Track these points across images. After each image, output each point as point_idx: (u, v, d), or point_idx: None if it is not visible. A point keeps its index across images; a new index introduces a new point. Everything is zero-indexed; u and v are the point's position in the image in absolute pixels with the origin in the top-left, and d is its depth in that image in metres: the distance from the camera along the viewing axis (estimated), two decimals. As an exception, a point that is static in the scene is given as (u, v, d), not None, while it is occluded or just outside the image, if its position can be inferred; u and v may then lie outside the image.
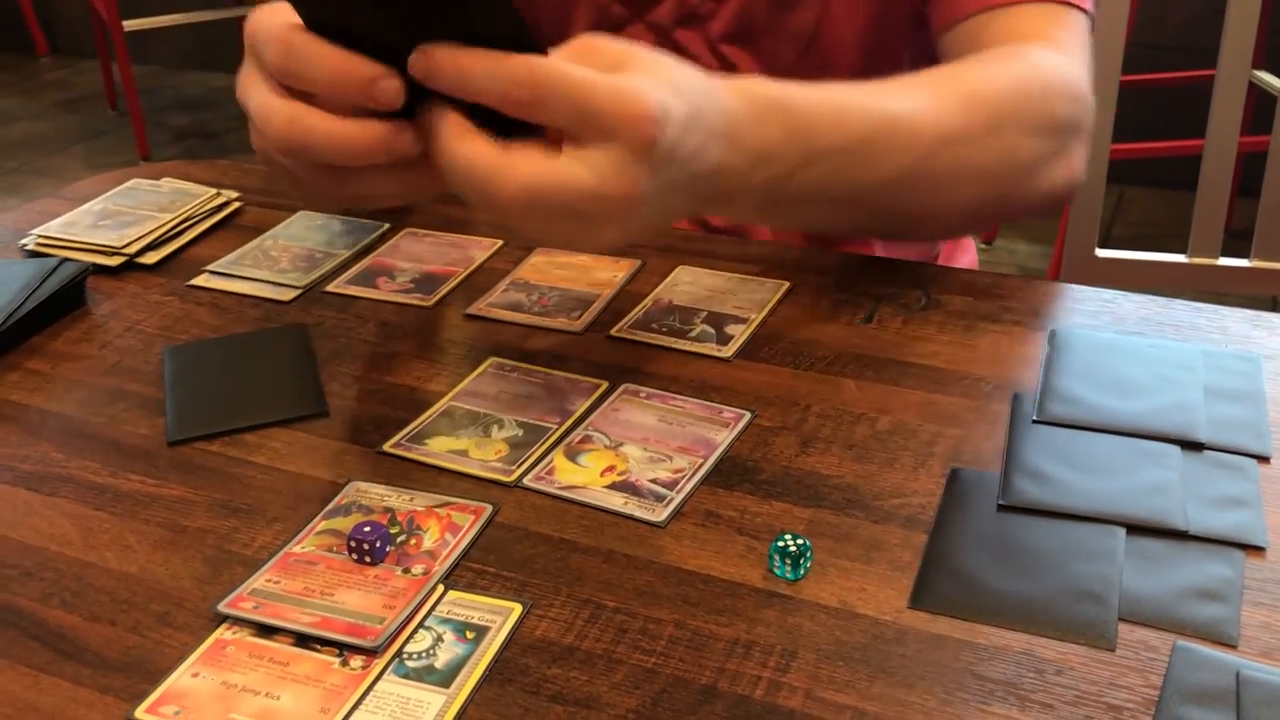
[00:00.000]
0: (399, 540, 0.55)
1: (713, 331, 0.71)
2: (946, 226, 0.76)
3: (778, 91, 0.63)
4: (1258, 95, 1.92)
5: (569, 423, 0.63)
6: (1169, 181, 2.69)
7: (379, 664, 0.48)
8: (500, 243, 0.83)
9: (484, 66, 0.51)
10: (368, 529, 0.53)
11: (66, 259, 0.77)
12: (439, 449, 0.61)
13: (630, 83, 0.53)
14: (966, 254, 1.01)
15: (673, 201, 0.58)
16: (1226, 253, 1.44)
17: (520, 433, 0.62)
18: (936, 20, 0.84)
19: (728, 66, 0.88)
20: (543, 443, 0.62)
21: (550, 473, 0.59)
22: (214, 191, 0.89)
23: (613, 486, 0.58)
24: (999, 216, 0.77)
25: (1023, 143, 0.73)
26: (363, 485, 0.59)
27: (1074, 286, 0.76)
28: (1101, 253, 1.43)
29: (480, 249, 0.82)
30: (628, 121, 0.52)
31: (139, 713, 0.47)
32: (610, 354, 0.70)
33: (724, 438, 0.62)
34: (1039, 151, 0.74)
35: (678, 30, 0.90)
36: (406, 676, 0.48)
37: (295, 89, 0.55)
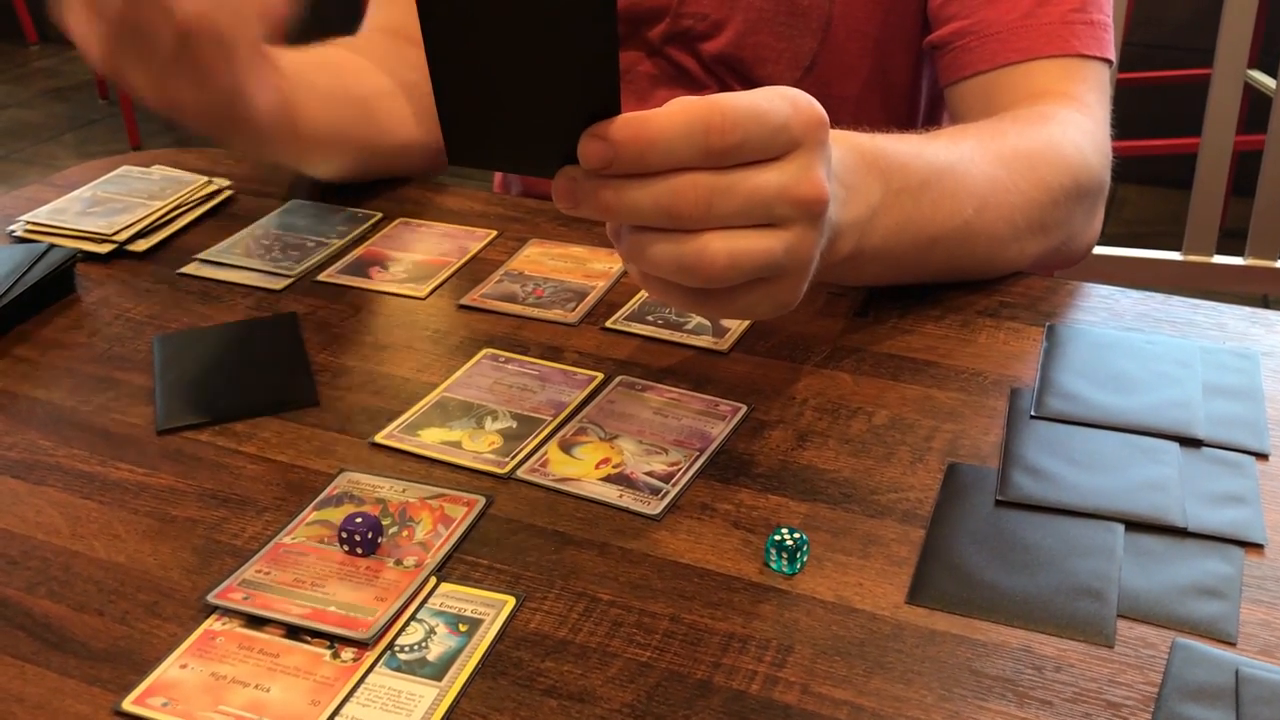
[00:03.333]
0: (391, 532, 0.54)
1: (709, 324, 0.71)
2: (996, 268, 0.75)
3: (865, 137, 0.62)
4: (1252, 95, 1.92)
5: (563, 415, 0.63)
6: (1162, 179, 2.69)
7: (370, 656, 0.48)
8: (494, 233, 0.82)
9: (669, 123, 0.49)
10: (359, 520, 0.53)
11: (55, 245, 0.77)
12: (432, 440, 0.61)
13: (790, 90, 0.52)
14: None
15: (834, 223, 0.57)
16: (1220, 251, 1.44)
17: (514, 424, 0.62)
18: (946, 72, 0.83)
19: (725, 88, 0.88)
20: (537, 435, 0.61)
21: (544, 465, 0.59)
22: (205, 179, 0.88)
23: (608, 479, 0.58)
24: (1046, 270, 0.79)
25: (1064, 201, 0.73)
26: (354, 476, 0.58)
27: (1072, 282, 0.76)
28: (1096, 250, 1.43)
29: (474, 239, 0.81)
30: (809, 123, 0.52)
31: (127, 704, 0.46)
32: (605, 346, 0.69)
33: (720, 431, 0.61)
34: (1076, 211, 0.75)
35: (670, 48, 0.90)
36: (398, 669, 0.47)
37: None
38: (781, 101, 0.51)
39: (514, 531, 0.55)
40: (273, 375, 0.67)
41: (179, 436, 0.62)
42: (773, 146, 0.51)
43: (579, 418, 0.62)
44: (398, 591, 0.51)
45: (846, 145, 0.60)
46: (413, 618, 0.50)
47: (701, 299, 0.54)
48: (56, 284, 0.75)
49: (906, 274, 0.71)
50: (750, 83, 0.87)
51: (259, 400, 0.64)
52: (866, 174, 0.61)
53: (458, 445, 0.60)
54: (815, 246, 0.54)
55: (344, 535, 0.53)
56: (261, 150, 0.83)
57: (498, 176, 1.04)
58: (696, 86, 0.88)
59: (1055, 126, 0.75)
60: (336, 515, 0.55)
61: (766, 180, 0.51)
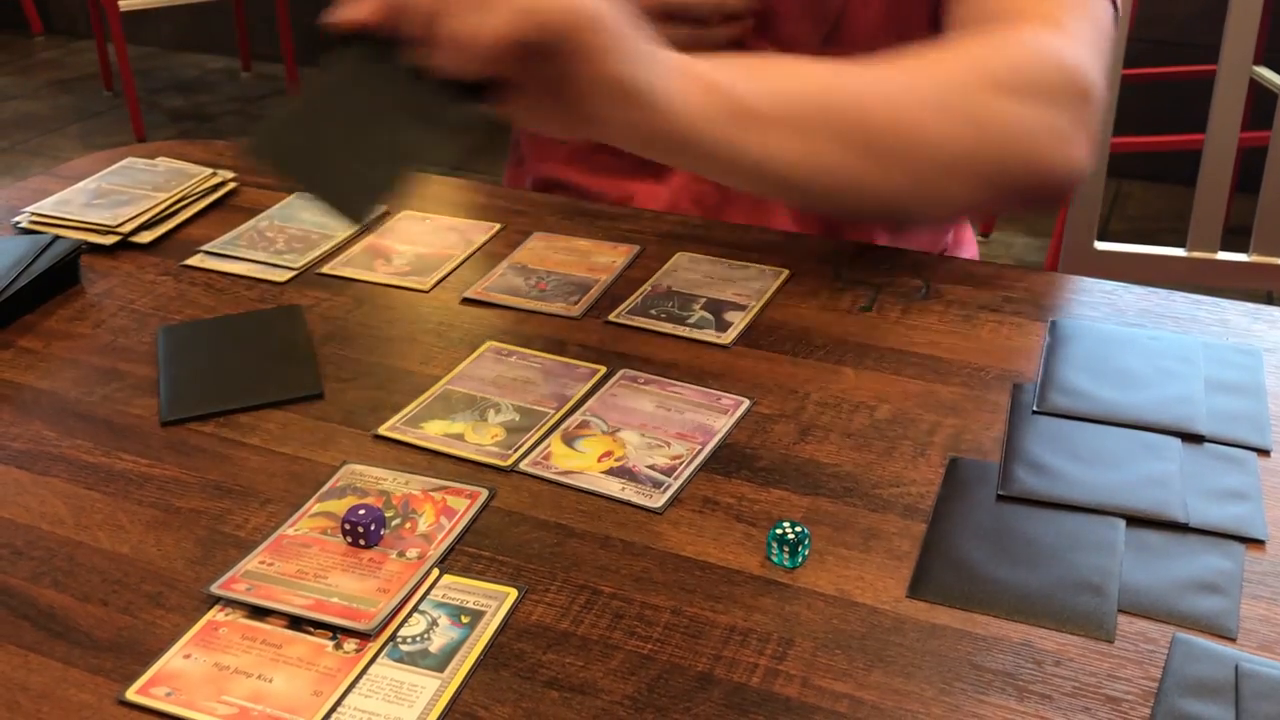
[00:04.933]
0: (394, 524, 0.54)
1: (712, 318, 0.71)
2: (937, 192, 0.71)
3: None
4: (1258, 91, 1.91)
5: (566, 408, 0.63)
6: (1166, 176, 2.69)
7: (373, 647, 0.48)
8: (499, 226, 0.82)
9: None
10: (362, 512, 0.53)
11: (59, 236, 0.77)
12: (435, 432, 0.61)
13: None
14: (968, 249, 1.01)
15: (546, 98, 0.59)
16: (1224, 248, 1.44)
17: (517, 417, 0.62)
18: (943, 9, 0.82)
19: (743, 48, 0.87)
20: (540, 427, 0.61)
21: (547, 458, 0.59)
22: (210, 171, 0.88)
23: (610, 472, 0.58)
24: (992, 190, 0.73)
25: (997, 89, 0.69)
26: (358, 468, 0.58)
27: (1075, 278, 0.76)
28: (1100, 245, 1.43)
29: (479, 232, 0.82)
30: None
31: (130, 694, 0.46)
32: (608, 339, 0.69)
33: (722, 425, 0.61)
34: (1025, 105, 0.70)
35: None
36: (401, 660, 0.47)
37: None
38: None
39: (516, 524, 0.55)
40: (277, 367, 0.67)
41: (183, 428, 0.62)
42: None
43: (582, 411, 0.62)
44: (400, 583, 0.51)
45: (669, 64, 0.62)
46: (415, 609, 0.50)
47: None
48: (61, 275, 0.75)
49: (802, 144, 0.67)
50: (772, 45, 0.85)
51: (263, 392, 0.64)
52: (678, 84, 0.62)
53: (461, 438, 0.60)
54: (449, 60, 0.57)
55: (347, 527, 0.53)
56: None
57: (507, 172, 1.04)
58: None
59: (1001, 33, 0.72)
60: (340, 507, 0.55)
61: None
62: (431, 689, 0.46)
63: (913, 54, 0.71)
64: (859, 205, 0.73)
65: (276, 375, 0.66)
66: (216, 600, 0.50)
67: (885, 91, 0.69)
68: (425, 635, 0.49)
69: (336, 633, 0.49)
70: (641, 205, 0.88)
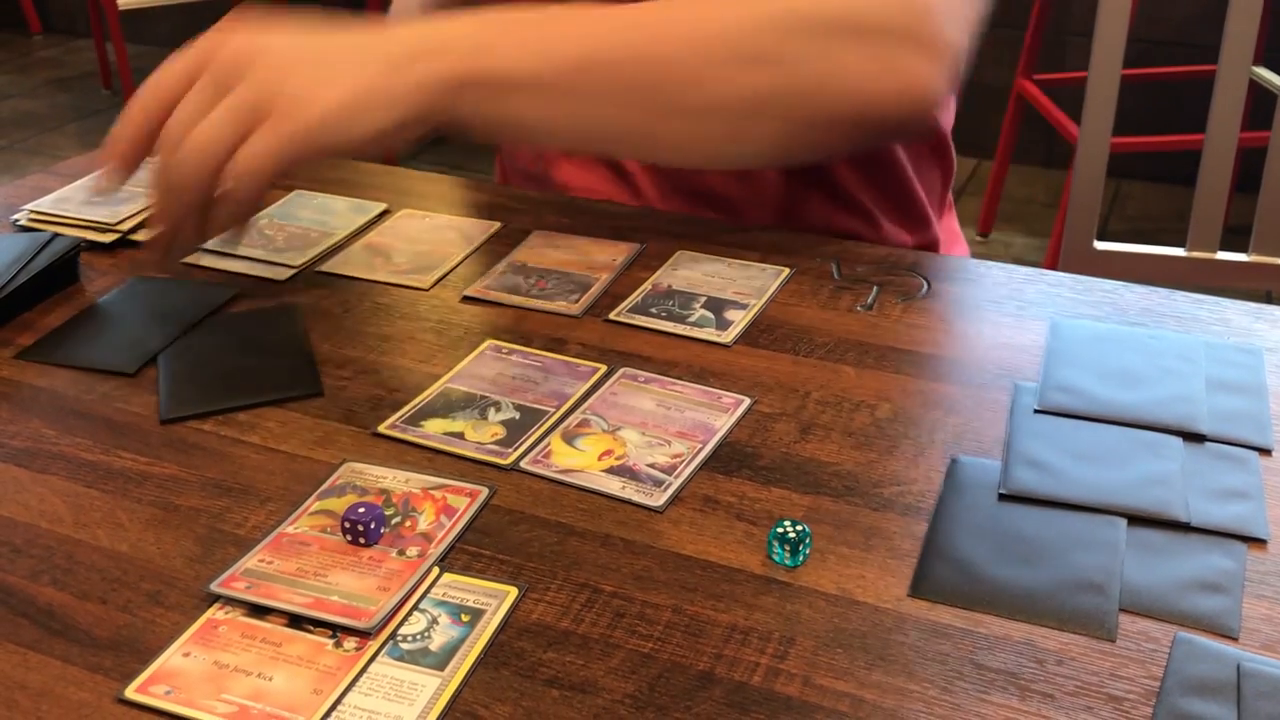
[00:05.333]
0: (394, 522, 0.54)
1: (712, 317, 0.71)
2: (738, 137, 0.69)
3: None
4: (1257, 92, 1.92)
5: (566, 406, 0.63)
6: (1166, 176, 2.69)
7: (373, 646, 0.48)
8: (498, 224, 0.82)
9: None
10: (362, 510, 0.53)
11: (58, 234, 0.77)
12: (435, 431, 0.61)
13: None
14: (958, 249, 1.01)
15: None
16: (1224, 247, 1.44)
17: (517, 415, 0.62)
18: None
19: None
20: (540, 426, 0.61)
21: (547, 456, 0.59)
22: (209, 169, 0.88)
23: (610, 471, 0.58)
24: (815, 130, 0.70)
25: (788, 29, 0.67)
26: (357, 466, 0.58)
27: (1076, 276, 0.76)
28: (1100, 245, 1.43)
29: (478, 230, 0.81)
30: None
31: (129, 692, 0.46)
32: (608, 338, 0.69)
33: (723, 423, 0.61)
34: (818, 42, 0.67)
35: None
36: (401, 659, 0.47)
37: None
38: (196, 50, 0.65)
39: (516, 522, 0.55)
40: (276, 366, 0.67)
41: (183, 426, 0.62)
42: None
43: (582, 409, 0.62)
44: (400, 581, 0.51)
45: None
46: (415, 608, 0.50)
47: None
48: (60, 273, 0.75)
49: (586, 107, 0.67)
50: None
51: (263, 390, 0.64)
52: (377, 33, 0.67)
53: (460, 436, 0.60)
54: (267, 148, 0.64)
55: (347, 525, 0.53)
56: None
57: (498, 168, 1.04)
58: None
59: None
60: (339, 505, 0.55)
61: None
62: (432, 687, 0.46)
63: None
64: (653, 155, 0.73)
65: (276, 374, 0.66)
66: (216, 598, 0.50)
67: (662, 42, 0.66)
68: (425, 634, 0.48)
69: (336, 631, 0.49)
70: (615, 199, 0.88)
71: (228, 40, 0.66)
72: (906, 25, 0.68)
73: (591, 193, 0.89)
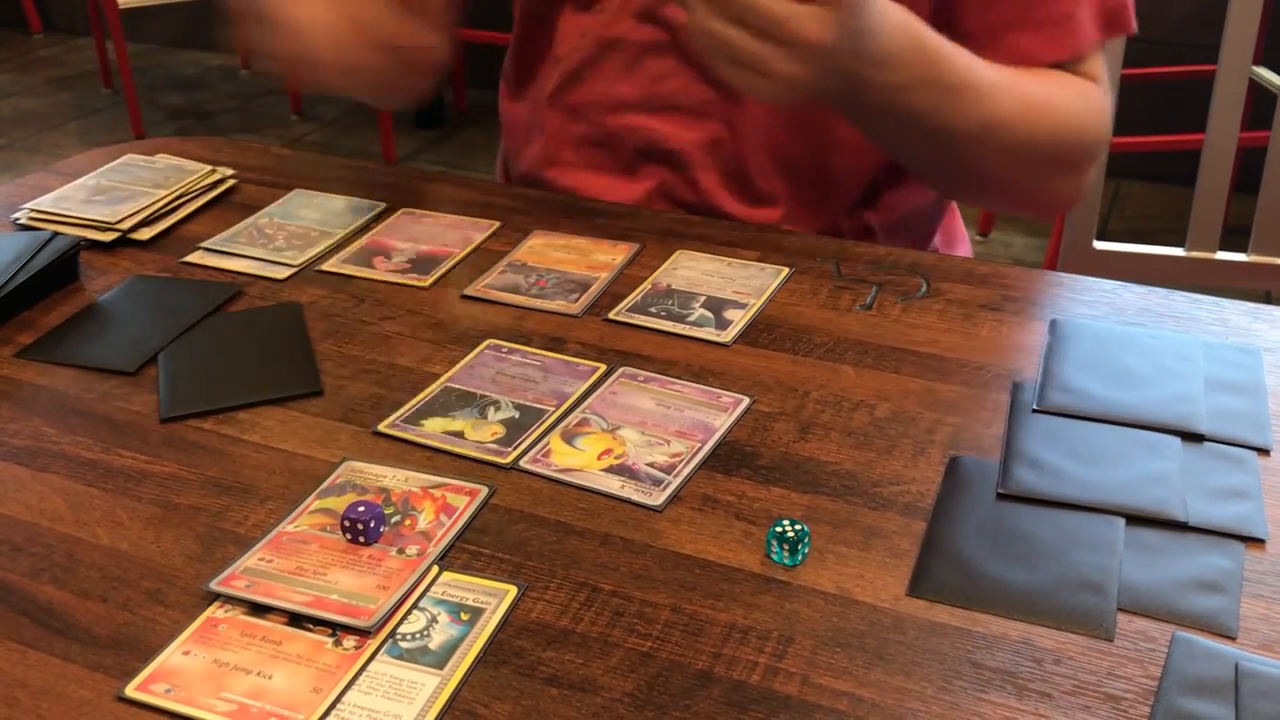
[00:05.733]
0: (393, 520, 0.54)
1: (712, 316, 0.71)
2: (981, 189, 0.84)
3: (914, 18, 0.72)
4: (1257, 91, 1.91)
5: (566, 405, 0.63)
6: (1165, 176, 2.69)
7: (372, 644, 0.48)
8: (498, 224, 0.82)
9: None
10: (362, 509, 0.53)
11: (58, 233, 0.77)
12: (434, 430, 0.61)
13: None
14: (961, 247, 1.01)
15: (838, 74, 0.68)
16: (1223, 247, 1.44)
17: (517, 415, 0.62)
18: (971, 38, 0.82)
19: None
20: (539, 425, 0.61)
21: (547, 455, 0.59)
22: (209, 168, 0.88)
23: (610, 470, 0.58)
24: (1019, 201, 0.88)
25: (1062, 147, 0.81)
26: (357, 465, 0.58)
27: (1075, 276, 0.76)
28: (1099, 245, 1.43)
29: (478, 230, 0.81)
30: None
31: (130, 690, 0.46)
32: (608, 337, 0.69)
33: (722, 422, 0.61)
34: (1067, 159, 0.83)
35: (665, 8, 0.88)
36: (400, 657, 0.47)
37: None
38: None
39: (516, 521, 0.55)
40: (276, 365, 0.67)
41: (182, 425, 0.62)
42: None
43: (581, 409, 0.62)
44: (400, 580, 0.51)
45: (904, 25, 0.71)
46: (415, 606, 0.50)
47: (725, 66, 0.66)
48: (60, 272, 0.75)
49: (913, 149, 0.80)
50: None
51: (262, 390, 0.64)
52: (912, 54, 0.72)
53: (460, 435, 0.60)
54: (799, 75, 0.65)
55: (346, 524, 0.53)
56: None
57: (499, 167, 1.04)
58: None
59: (1076, 96, 0.82)
60: (339, 504, 0.55)
61: (776, 8, 0.63)
62: (431, 686, 0.46)
63: (1028, 77, 0.80)
64: (908, 165, 0.85)
65: (276, 373, 0.66)
66: (216, 597, 0.50)
67: (1007, 113, 0.78)
68: (425, 632, 0.49)
69: (336, 629, 0.49)
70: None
71: None
72: (1097, 152, 0.86)
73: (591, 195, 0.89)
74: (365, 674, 0.47)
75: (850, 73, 0.69)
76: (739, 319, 0.70)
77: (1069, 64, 0.82)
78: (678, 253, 0.78)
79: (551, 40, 0.91)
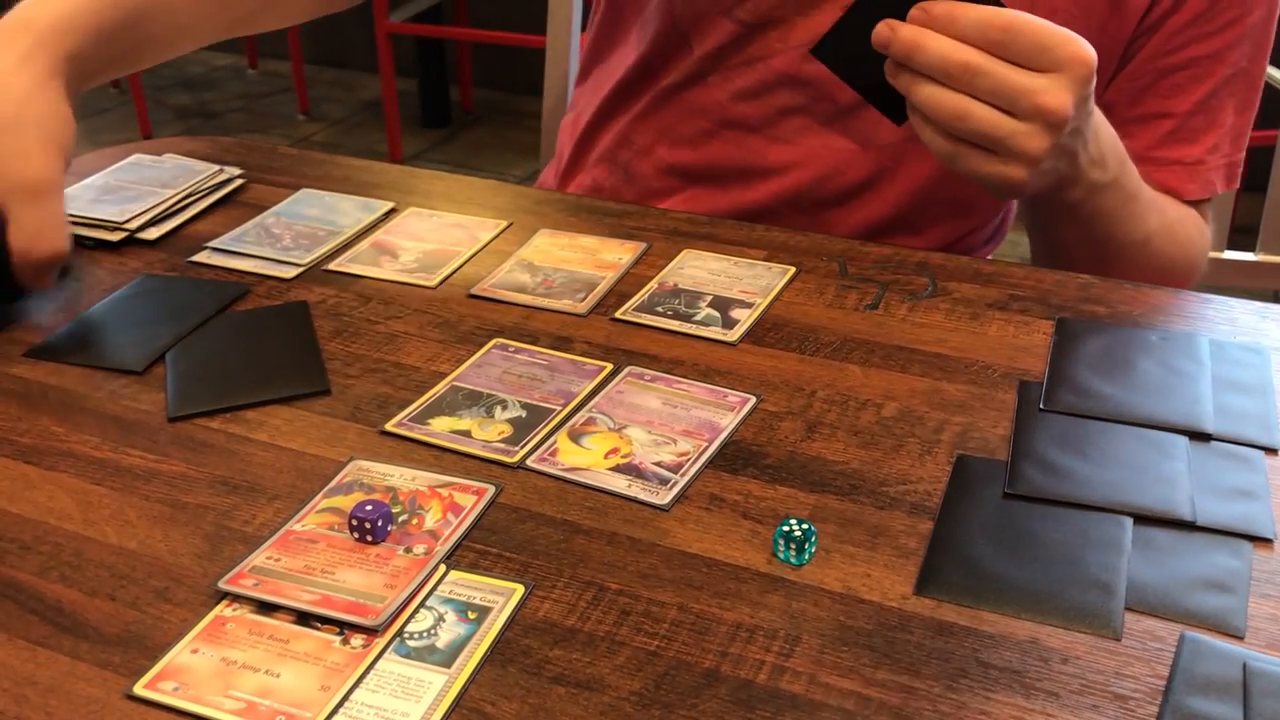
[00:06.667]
0: (401, 519, 0.54)
1: (718, 315, 0.71)
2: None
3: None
4: (1265, 91, 1.91)
5: (573, 404, 0.63)
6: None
7: (380, 643, 0.48)
8: (505, 223, 0.82)
9: (972, 12, 0.65)
10: (369, 508, 0.53)
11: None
12: (441, 429, 0.61)
13: (1074, 33, 0.66)
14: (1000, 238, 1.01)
15: (1063, 152, 0.68)
16: (1230, 247, 1.44)
17: (524, 414, 0.62)
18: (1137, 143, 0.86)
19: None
20: (546, 424, 0.61)
21: (553, 454, 0.59)
22: (217, 168, 0.88)
23: (616, 469, 0.58)
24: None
25: (1178, 270, 0.86)
26: (364, 464, 0.58)
27: (1082, 276, 0.76)
28: (1106, 245, 1.43)
29: (485, 229, 0.82)
30: (1075, 58, 0.65)
31: (138, 688, 0.46)
32: (615, 336, 0.69)
33: (729, 422, 0.61)
34: (1178, 281, 0.86)
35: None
36: (408, 656, 0.47)
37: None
38: (1057, 32, 0.65)
39: (523, 520, 0.55)
40: (283, 365, 0.67)
41: (190, 424, 0.62)
42: (1036, 60, 0.65)
43: (588, 408, 0.62)
44: (407, 579, 0.51)
45: (1106, 124, 0.74)
46: (422, 605, 0.50)
47: (949, 146, 0.68)
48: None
49: (1075, 245, 0.82)
50: None
51: (270, 389, 0.64)
52: (1113, 153, 0.75)
53: (467, 434, 0.60)
54: (1044, 148, 0.66)
55: (354, 522, 0.53)
56: None
57: (546, 175, 1.05)
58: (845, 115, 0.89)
59: (1196, 230, 0.87)
60: (347, 503, 0.55)
61: (1019, 80, 0.65)
62: (438, 684, 0.46)
63: (1168, 202, 0.84)
64: (1047, 243, 0.87)
65: (283, 373, 0.66)
66: (224, 595, 0.51)
67: (1158, 229, 0.82)
68: (432, 631, 0.49)
69: (343, 628, 0.49)
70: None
71: None
72: (1195, 282, 0.90)
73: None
74: (373, 672, 0.47)
75: (1073, 154, 0.70)
76: (745, 318, 0.70)
77: (1198, 202, 0.87)
78: (684, 252, 0.78)
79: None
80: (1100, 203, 0.75)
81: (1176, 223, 0.84)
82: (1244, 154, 0.89)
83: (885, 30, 0.67)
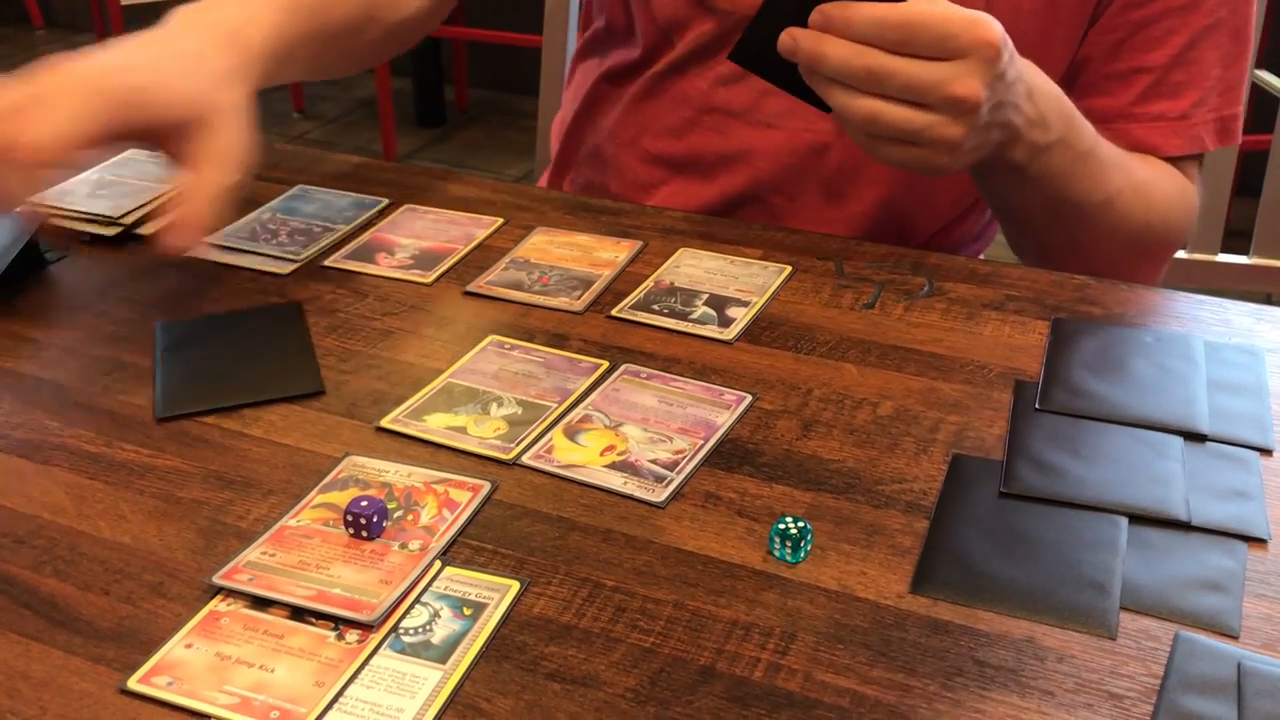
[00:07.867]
0: (396, 515, 0.54)
1: (714, 314, 0.71)
2: (1071, 259, 0.82)
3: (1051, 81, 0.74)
4: (1258, 94, 1.92)
5: (569, 402, 0.63)
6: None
7: (375, 639, 0.48)
8: (501, 220, 0.82)
9: (867, 13, 0.64)
10: (365, 503, 0.53)
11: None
12: (437, 425, 0.61)
13: (978, 14, 0.65)
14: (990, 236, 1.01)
15: (990, 126, 0.68)
16: (1224, 250, 1.44)
17: (519, 411, 0.62)
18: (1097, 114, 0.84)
19: None
20: (542, 421, 0.61)
21: (549, 451, 0.59)
22: (212, 163, 0.88)
23: (612, 466, 0.58)
24: (1111, 273, 0.87)
25: (1146, 240, 0.84)
26: (360, 460, 0.58)
27: (1077, 276, 0.76)
28: (1100, 247, 1.43)
29: (481, 226, 0.81)
30: (979, 41, 0.64)
31: (132, 683, 0.46)
32: (611, 334, 0.69)
33: (725, 420, 0.61)
34: (1157, 246, 0.86)
35: None
36: (403, 652, 0.47)
37: None
38: (957, 17, 0.64)
39: (518, 517, 0.55)
40: (276, 365, 0.67)
41: (184, 419, 0.62)
42: (939, 49, 0.64)
43: (584, 405, 0.62)
44: (402, 575, 0.51)
45: (1049, 84, 0.73)
46: (417, 601, 0.50)
47: (869, 141, 0.68)
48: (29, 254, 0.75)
49: (1030, 212, 0.80)
50: None
51: (262, 390, 0.64)
52: (1057, 113, 0.73)
53: (463, 431, 0.60)
54: (961, 134, 0.66)
55: (349, 518, 0.53)
56: None
57: (546, 176, 1.05)
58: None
59: (1174, 189, 0.85)
60: (342, 498, 0.55)
61: (925, 74, 0.64)
62: (433, 680, 0.46)
63: (1139, 161, 0.82)
64: (1029, 239, 0.86)
65: (276, 373, 0.66)
66: (218, 590, 0.50)
67: (1120, 190, 0.80)
68: (427, 627, 0.49)
69: (338, 623, 0.49)
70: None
71: None
72: (1178, 247, 0.89)
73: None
74: (368, 668, 0.47)
75: (1005, 124, 0.69)
76: (742, 317, 0.70)
77: (1179, 159, 0.85)
78: (681, 250, 0.78)
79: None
80: (1047, 163, 0.74)
81: (1148, 183, 0.82)
82: (1240, 108, 0.86)
83: (788, 41, 0.66)
